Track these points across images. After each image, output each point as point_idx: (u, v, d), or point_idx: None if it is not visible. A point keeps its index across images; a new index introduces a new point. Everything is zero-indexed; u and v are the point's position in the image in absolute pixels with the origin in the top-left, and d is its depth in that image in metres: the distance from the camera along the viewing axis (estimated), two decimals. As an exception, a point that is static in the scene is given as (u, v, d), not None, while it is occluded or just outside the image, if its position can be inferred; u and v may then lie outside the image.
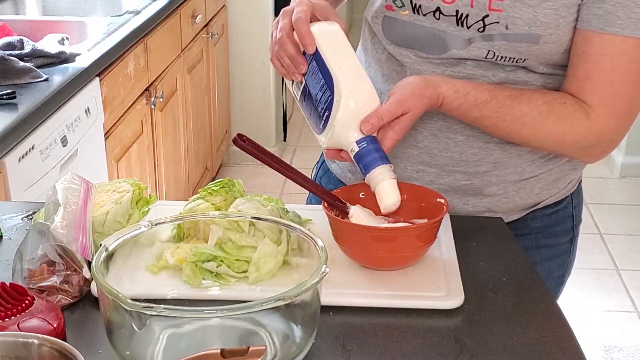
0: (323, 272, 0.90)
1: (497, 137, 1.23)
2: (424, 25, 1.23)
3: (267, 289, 1.04)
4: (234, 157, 4.13)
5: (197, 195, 1.20)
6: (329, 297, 1.00)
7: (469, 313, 1.04)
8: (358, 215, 1.15)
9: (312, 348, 0.94)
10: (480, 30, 1.18)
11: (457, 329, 1.01)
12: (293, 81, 1.21)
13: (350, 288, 1.08)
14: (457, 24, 1.20)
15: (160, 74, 2.83)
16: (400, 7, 1.24)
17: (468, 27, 1.19)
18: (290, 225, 1.04)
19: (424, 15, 1.22)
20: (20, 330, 0.92)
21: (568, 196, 1.40)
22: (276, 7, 3.89)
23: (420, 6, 1.22)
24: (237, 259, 1.07)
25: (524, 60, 1.20)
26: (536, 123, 1.19)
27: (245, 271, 1.07)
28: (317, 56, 1.15)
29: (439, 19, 1.21)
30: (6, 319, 0.94)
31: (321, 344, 0.96)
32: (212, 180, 1.27)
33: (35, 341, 0.84)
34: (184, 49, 3.13)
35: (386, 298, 1.06)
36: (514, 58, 1.19)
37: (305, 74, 1.18)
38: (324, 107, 1.15)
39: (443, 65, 1.24)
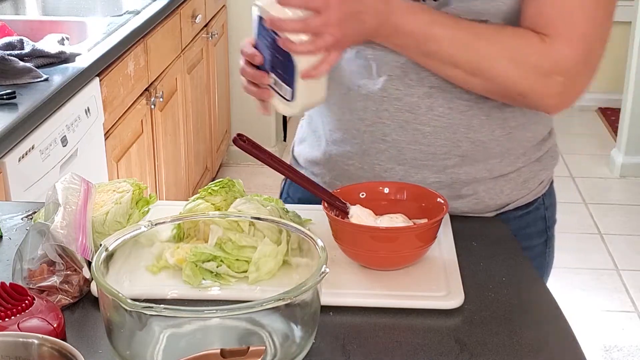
0: (323, 272, 0.90)
1: (451, 56, 1.18)
2: None
3: (267, 289, 1.04)
4: (234, 157, 4.13)
5: (197, 195, 1.20)
6: (329, 297, 1.00)
7: (469, 313, 1.04)
8: (358, 215, 1.15)
9: (312, 348, 0.94)
10: None
11: (457, 329, 1.01)
12: (275, 97, 1.21)
13: (350, 288, 1.08)
14: None
15: (160, 74, 2.83)
16: None
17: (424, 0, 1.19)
18: (290, 225, 1.04)
19: None
20: (20, 330, 0.92)
21: (539, 197, 1.39)
22: (276, 7, 3.88)
23: None
24: (237, 259, 1.07)
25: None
26: (491, 36, 1.16)
27: (245, 271, 1.07)
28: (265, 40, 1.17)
29: None
30: (6, 319, 0.94)
31: (321, 344, 0.96)
32: (212, 180, 1.27)
33: (35, 341, 0.84)
34: (184, 49, 3.13)
35: (386, 298, 1.06)
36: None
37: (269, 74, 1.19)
38: (289, 73, 1.15)
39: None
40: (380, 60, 1.25)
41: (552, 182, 1.42)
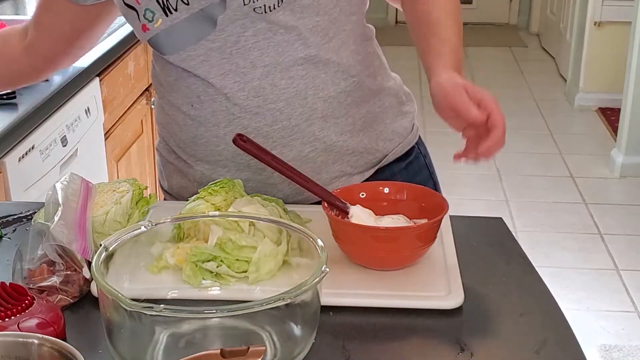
0: (323, 272, 0.90)
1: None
2: (182, 18, 1.23)
3: (267, 289, 1.04)
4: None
5: (197, 195, 1.20)
6: (329, 297, 1.00)
7: (469, 313, 1.04)
8: (358, 215, 1.15)
9: (312, 348, 0.94)
10: None
11: (457, 329, 1.01)
12: None
13: (350, 288, 1.08)
14: None
15: (160, 74, 2.82)
16: (152, 20, 1.24)
17: None
18: (290, 225, 1.04)
19: (176, 9, 1.22)
20: (20, 330, 0.92)
21: (414, 146, 1.45)
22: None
23: (168, 2, 1.22)
24: (237, 259, 1.07)
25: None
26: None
27: (245, 271, 1.07)
28: None
29: (188, 4, 1.22)
30: (6, 319, 0.94)
31: (321, 344, 0.96)
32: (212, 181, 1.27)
33: (35, 341, 0.84)
34: (184, 49, 3.13)
35: (386, 298, 1.06)
36: None
37: None
38: None
39: (224, 46, 1.25)
40: (204, 69, 1.27)
41: (419, 134, 1.48)
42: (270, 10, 1.22)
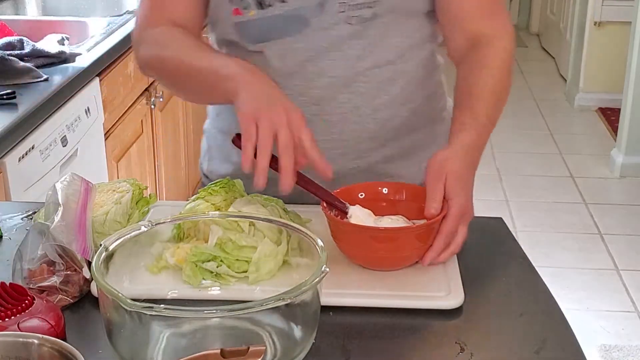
0: (323, 272, 0.90)
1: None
2: (276, 14, 1.25)
3: (267, 289, 1.04)
4: (234, 157, 4.11)
5: (197, 195, 1.20)
6: (329, 297, 1.00)
7: (469, 313, 1.04)
8: (357, 215, 1.15)
9: (312, 348, 0.94)
10: None
11: (457, 329, 1.01)
12: None
13: (350, 288, 1.08)
14: None
15: (160, 74, 2.82)
16: (247, 9, 1.26)
17: None
18: (290, 225, 1.04)
19: (270, 5, 1.24)
20: (20, 330, 0.92)
21: None
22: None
23: None
24: (237, 259, 1.07)
25: (375, 1, 1.23)
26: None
27: (245, 271, 1.07)
28: None
29: (284, 1, 1.23)
30: (6, 319, 0.94)
31: (321, 344, 0.96)
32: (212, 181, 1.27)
33: (35, 341, 0.84)
34: (184, 49, 3.12)
35: (386, 298, 1.06)
36: (365, 3, 1.23)
37: None
38: None
39: (302, 48, 1.26)
40: (276, 65, 1.27)
41: None
42: (363, 23, 1.24)
